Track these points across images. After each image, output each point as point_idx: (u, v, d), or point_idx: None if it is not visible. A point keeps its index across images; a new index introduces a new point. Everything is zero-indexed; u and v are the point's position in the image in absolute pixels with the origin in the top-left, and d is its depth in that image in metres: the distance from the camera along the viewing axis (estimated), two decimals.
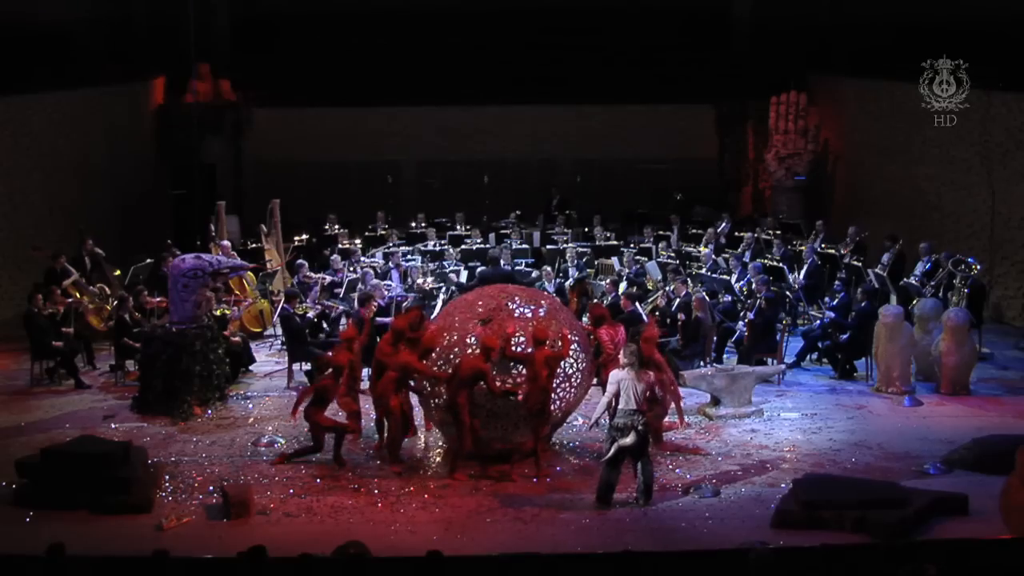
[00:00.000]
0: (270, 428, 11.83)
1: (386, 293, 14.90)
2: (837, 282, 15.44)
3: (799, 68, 21.99)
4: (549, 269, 16.55)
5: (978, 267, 14.96)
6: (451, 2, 23.08)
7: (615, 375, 9.75)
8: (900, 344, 13.05)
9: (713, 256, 17.24)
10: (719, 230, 18.71)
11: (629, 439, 9.45)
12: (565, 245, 18.53)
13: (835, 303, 14.51)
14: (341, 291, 15.62)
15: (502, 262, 16.73)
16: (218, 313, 13.96)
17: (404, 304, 14.51)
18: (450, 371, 10.50)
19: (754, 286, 14.52)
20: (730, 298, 15.10)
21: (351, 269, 16.51)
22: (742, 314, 14.34)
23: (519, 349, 10.57)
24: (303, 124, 23.40)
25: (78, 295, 15.07)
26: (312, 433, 10.90)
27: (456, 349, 10.65)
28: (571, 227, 20.09)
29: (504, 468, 10.48)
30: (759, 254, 17.24)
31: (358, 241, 18.84)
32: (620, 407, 9.60)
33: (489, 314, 10.85)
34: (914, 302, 14.62)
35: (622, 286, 15.49)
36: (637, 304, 14.07)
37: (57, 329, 13.89)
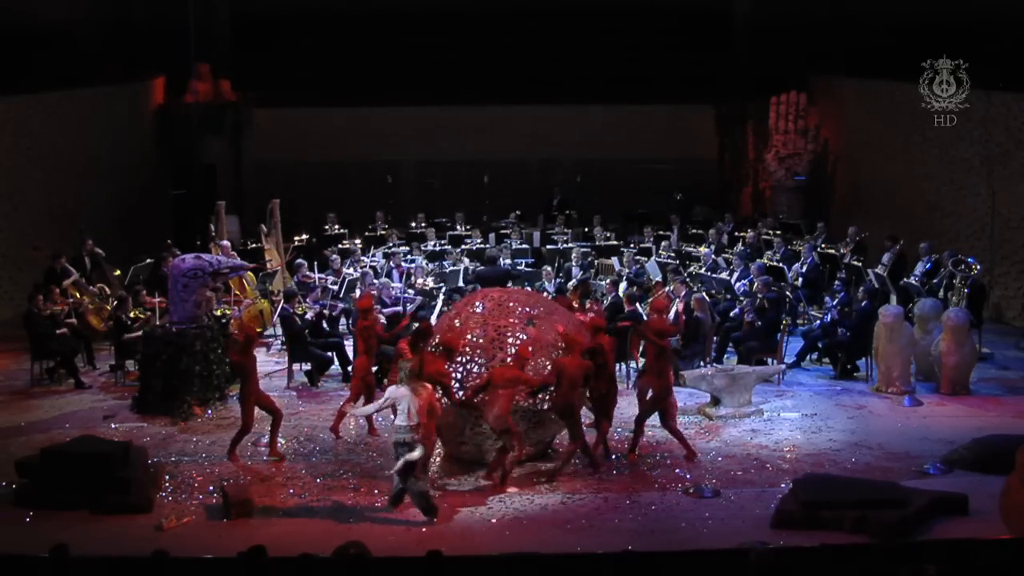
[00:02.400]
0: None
1: (393, 293, 14.88)
2: (837, 282, 15.44)
3: (799, 68, 22.00)
4: (549, 269, 16.56)
5: (978, 267, 14.96)
6: (451, 2, 23.09)
7: (393, 391, 9.49)
8: (900, 344, 13.04)
9: (713, 256, 17.24)
10: (723, 229, 18.70)
11: (416, 453, 9.29)
12: (568, 245, 18.53)
13: (835, 303, 14.51)
14: (341, 291, 15.61)
15: (501, 261, 16.72)
16: (218, 313, 13.96)
17: (411, 307, 14.47)
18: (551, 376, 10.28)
19: (755, 286, 14.52)
20: (731, 298, 15.08)
21: (351, 269, 16.51)
22: (743, 308, 14.35)
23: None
24: (303, 124, 23.41)
25: (78, 295, 15.07)
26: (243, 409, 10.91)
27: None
28: (571, 227, 20.09)
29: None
30: (758, 253, 17.24)
31: (358, 241, 18.84)
32: (398, 423, 9.36)
33: (530, 316, 10.80)
34: (914, 300, 14.63)
35: (622, 286, 15.49)
36: (637, 304, 14.06)
37: (59, 328, 13.89)
